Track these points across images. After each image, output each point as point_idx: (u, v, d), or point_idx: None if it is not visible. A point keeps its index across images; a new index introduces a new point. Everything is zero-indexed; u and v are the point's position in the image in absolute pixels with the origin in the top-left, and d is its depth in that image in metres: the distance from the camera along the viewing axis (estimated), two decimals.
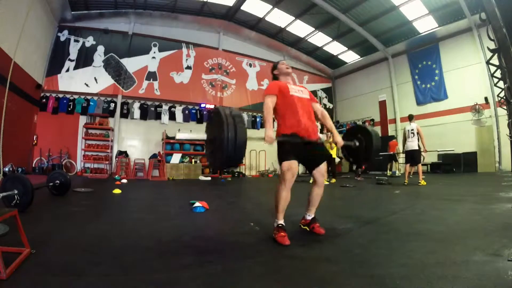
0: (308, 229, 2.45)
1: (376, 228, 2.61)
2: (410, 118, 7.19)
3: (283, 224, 2.20)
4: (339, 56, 15.69)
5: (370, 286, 1.37)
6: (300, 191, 2.98)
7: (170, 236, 2.39)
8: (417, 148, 6.86)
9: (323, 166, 2.45)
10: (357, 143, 2.70)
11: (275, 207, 2.25)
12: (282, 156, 2.29)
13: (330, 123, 2.63)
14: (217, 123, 1.96)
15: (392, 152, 11.50)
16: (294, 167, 2.24)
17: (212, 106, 12.98)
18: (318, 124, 2.82)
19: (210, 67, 13.39)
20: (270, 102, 2.35)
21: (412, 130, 6.90)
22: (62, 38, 10.79)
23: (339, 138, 2.56)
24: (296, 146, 2.29)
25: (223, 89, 13.59)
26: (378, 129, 14.48)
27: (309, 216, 2.48)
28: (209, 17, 12.78)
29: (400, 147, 11.77)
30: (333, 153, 8.99)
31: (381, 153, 12.34)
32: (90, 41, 11.24)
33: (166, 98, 12.14)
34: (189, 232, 2.54)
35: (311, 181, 2.59)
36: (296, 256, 1.86)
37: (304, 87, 2.64)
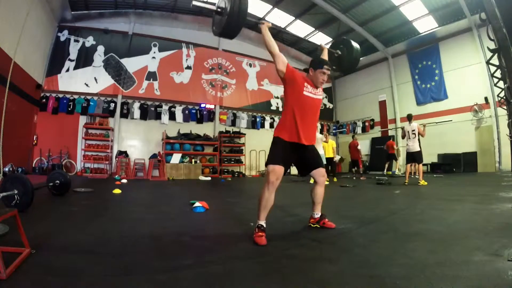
0: (318, 226, 2.53)
1: (376, 228, 2.61)
2: (409, 118, 7.13)
3: (263, 225, 2.20)
4: None
5: (370, 286, 1.37)
6: (300, 191, 2.98)
7: (170, 236, 2.39)
8: (418, 149, 6.87)
9: (322, 168, 2.53)
10: (339, 52, 3.07)
11: (257, 207, 2.26)
12: (270, 159, 2.31)
13: None
14: None
15: (391, 153, 11.52)
16: (278, 171, 2.24)
17: (212, 106, 13.00)
18: (318, 125, 2.87)
19: (210, 67, 13.39)
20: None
21: (413, 131, 6.88)
22: (62, 38, 10.79)
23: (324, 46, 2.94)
24: (287, 153, 2.33)
25: (223, 89, 13.58)
26: (378, 129, 14.51)
27: (317, 215, 2.57)
28: (209, 17, 12.75)
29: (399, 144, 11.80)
30: (330, 152, 8.97)
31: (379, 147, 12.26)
32: (90, 41, 11.24)
33: (166, 98, 12.14)
34: (189, 232, 2.54)
35: (311, 181, 2.63)
36: (296, 256, 1.86)
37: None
